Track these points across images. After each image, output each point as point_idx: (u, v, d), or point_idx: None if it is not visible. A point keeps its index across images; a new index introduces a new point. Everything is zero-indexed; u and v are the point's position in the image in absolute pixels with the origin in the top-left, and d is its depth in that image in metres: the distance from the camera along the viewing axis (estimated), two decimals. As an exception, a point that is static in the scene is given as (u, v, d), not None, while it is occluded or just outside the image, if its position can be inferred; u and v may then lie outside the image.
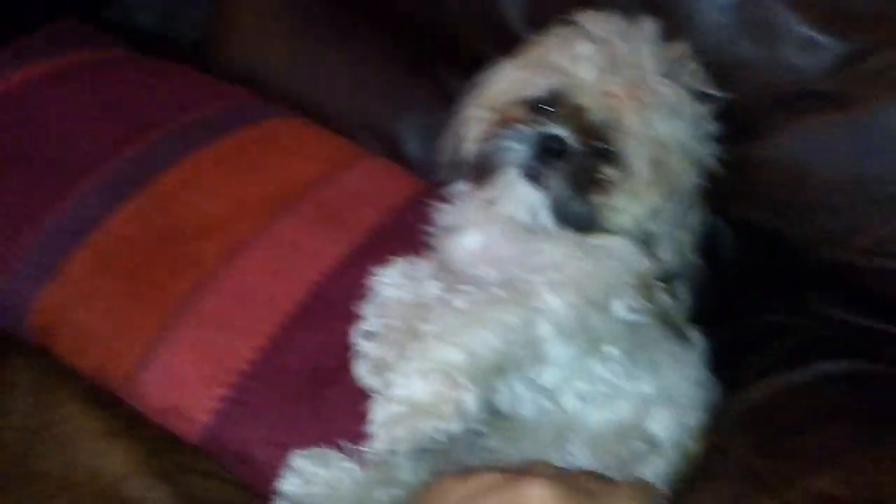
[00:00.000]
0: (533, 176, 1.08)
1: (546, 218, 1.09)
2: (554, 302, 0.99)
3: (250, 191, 1.34)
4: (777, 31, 1.07)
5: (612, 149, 1.07)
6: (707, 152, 1.14)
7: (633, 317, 1.06)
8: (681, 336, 1.20)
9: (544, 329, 0.99)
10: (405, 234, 1.31)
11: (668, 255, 1.14)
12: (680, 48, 1.11)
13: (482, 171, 1.13)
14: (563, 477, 0.84)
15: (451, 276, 1.14)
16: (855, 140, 1.04)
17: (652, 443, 1.08)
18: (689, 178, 1.11)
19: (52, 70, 1.50)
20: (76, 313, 1.20)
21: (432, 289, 1.13)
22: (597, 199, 1.08)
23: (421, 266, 1.21)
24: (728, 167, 1.15)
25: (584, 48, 1.08)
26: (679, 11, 1.13)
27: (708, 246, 1.39)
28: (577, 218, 1.09)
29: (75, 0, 1.80)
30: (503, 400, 1.03)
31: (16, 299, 1.22)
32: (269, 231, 1.28)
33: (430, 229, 1.23)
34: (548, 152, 1.06)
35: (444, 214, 1.21)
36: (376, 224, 1.33)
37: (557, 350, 1.01)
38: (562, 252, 1.06)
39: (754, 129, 1.13)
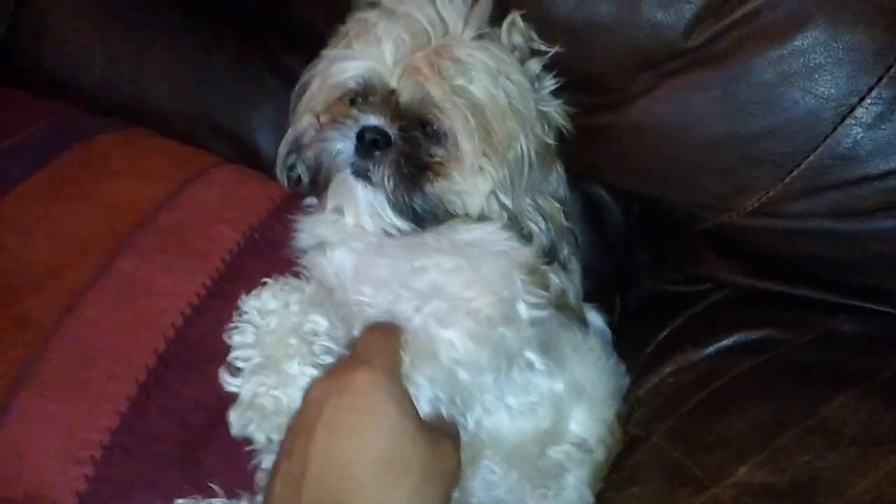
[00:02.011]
0: (362, 173, 1.00)
1: (393, 217, 1.01)
2: (457, 341, 0.93)
3: (82, 227, 1.17)
4: (634, -13, 0.97)
5: (434, 127, 0.99)
6: (549, 109, 1.07)
7: (539, 313, 0.99)
8: (580, 319, 1.14)
9: (463, 377, 0.94)
10: (269, 251, 1.18)
11: (538, 227, 1.07)
12: (487, 5, 1.02)
13: (320, 177, 1.04)
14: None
15: (330, 303, 1.05)
16: (727, 98, 0.96)
17: (582, 446, 1.03)
18: (528, 141, 1.03)
19: None
20: None
21: (317, 324, 1.03)
22: (435, 184, 1.01)
23: (295, 288, 1.08)
24: (595, 135, 1.08)
25: (383, 28, 0.99)
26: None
27: (592, 212, 1.33)
28: (423, 210, 1.01)
29: None
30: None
31: None
32: (111, 273, 1.12)
33: (294, 246, 1.12)
34: (370, 145, 0.97)
35: (303, 232, 1.10)
36: (235, 244, 1.18)
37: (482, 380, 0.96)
38: (441, 267, 0.97)
39: (622, 95, 1.04)
